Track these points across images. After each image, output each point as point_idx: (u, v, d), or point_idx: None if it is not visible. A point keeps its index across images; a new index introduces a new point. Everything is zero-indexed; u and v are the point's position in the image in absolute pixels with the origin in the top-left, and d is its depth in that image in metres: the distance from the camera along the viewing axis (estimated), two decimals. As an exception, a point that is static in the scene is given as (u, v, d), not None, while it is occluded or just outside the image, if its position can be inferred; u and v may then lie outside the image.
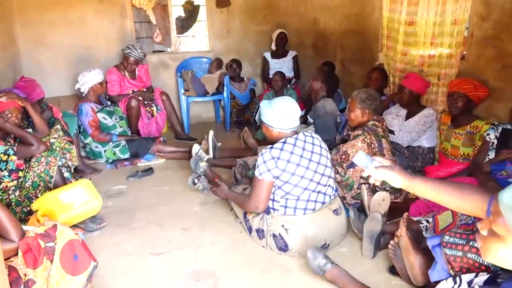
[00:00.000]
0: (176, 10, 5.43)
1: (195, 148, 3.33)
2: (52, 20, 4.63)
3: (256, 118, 4.79)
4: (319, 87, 3.81)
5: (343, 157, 2.77)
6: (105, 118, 3.88)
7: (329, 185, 2.40)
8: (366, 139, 2.71)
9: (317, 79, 3.86)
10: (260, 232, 2.41)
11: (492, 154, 2.61)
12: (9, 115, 2.46)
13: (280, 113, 2.26)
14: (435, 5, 3.23)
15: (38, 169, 2.52)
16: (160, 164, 3.88)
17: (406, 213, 2.11)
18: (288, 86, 4.94)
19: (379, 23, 3.93)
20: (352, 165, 2.75)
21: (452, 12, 3.09)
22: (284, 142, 2.25)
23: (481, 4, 2.91)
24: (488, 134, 2.66)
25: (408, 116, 3.38)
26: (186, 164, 3.69)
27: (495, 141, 2.62)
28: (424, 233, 2.22)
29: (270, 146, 2.27)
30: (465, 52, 3.13)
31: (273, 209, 2.33)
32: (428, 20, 3.32)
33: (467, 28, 3.08)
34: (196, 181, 3.15)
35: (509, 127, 2.57)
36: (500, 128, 2.63)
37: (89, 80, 3.74)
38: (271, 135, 2.35)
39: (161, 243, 2.52)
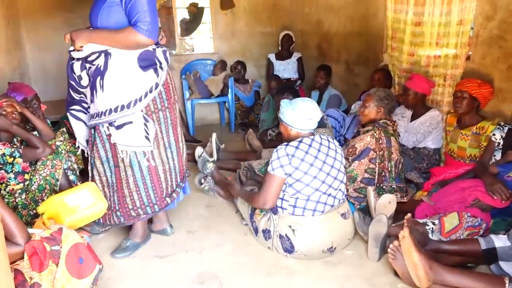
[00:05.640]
0: (181, 12, 5.45)
1: (198, 151, 3.33)
2: (57, 24, 4.66)
3: (261, 117, 4.79)
4: None
5: (350, 150, 2.79)
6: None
7: (339, 189, 2.40)
8: (375, 134, 2.74)
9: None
10: (267, 233, 2.41)
11: (498, 155, 2.59)
12: (4, 112, 2.46)
13: (301, 114, 2.29)
14: (440, 5, 3.21)
15: (44, 172, 2.53)
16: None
17: (409, 214, 2.10)
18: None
19: (383, 24, 3.92)
20: (358, 158, 2.76)
21: (457, 12, 3.08)
22: (300, 141, 2.29)
23: (487, 4, 2.89)
24: (494, 135, 2.64)
25: (414, 117, 3.37)
26: (190, 166, 3.69)
27: (501, 142, 2.60)
28: (430, 235, 2.21)
29: (285, 143, 2.30)
30: (470, 53, 3.11)
31: (282, 208, 2.34)
32: (434, 20, 3.30)
33: (472, 28, 3.06)
34: (202, 181, 3.17)
35: (515, 127, 2.55)
36: (506, 128, 2.60)
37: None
38: (289, 134, 2.39)
39: (165, 246, 2.53)
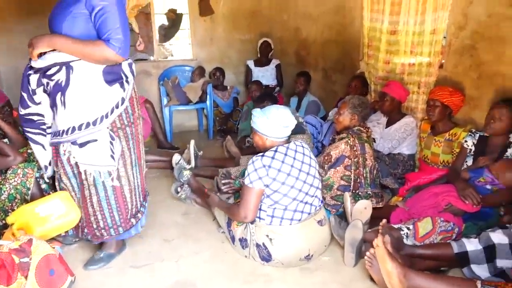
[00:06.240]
0: (159, 18, 5.42)
1: (176, 158, 3.30)
2: (30, 29, 4.55)
3: (240, 126, 4.79)
4: None
5: (326, 158, 2.81)
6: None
7: (316, 196, 2.41)
8: (349, 141, 2.76)
9: None
10: (243, 242, 2.40)
11: (470, 161, 2.65)
12: None
13: (277, 122, 2.25)
14: (414, 15, 3.29)
15: (14, 181, 2.45)
16: (142, 173, 3.82)
17: (384, 220, 2.12)
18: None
19: (359, 33, 3.98)
20: (333, 165, 2.78)
21: (431, 22, 3.15)
22: (276, 151, 2.25)
23: (459, 15, 2.97)
24: (465, 141, 2.71)
25: (389, 124, 3.43)
26: (168, 173, 3.67)
27: (473, 148, 2.67)
28: (404, 240, 2.24)
29: (261, 154, 2.26)
30: (443, 61, 3.19)
31: (259, 218, 2.32)
32: (408, 30, 3.38)
33: (445, 37, 3.14)
34: (179, 189, 3.13)
35: (486, 134, 2.62)
36: (477, 135, 2.67)
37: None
38: (264, 144, 2.34)
39: (141, 255, 2.48)
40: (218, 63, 5.40)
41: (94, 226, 2.27)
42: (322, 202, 2.53)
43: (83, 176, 2.16)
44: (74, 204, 2.18)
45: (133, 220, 2.35)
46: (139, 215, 2.39)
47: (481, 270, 2.02)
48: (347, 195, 2.60)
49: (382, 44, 3.65)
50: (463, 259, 2.05)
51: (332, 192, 2.78)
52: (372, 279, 2.12)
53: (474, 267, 2.03)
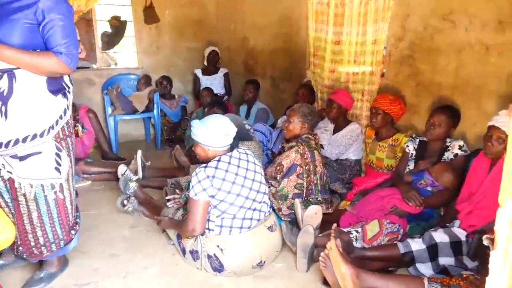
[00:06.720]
0: (102, 25, 5.23)
1: (121, 169, 3.16)
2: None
3: (188, 134, 4.72)
4: None
5: (278, 168, 2.81)
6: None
7: (264, 202, 2.40)
8: (299, 150, 2.79)
9: None
10: (194, 254, 2.34)
11: (411, 165, 2.79)
12: None
13: (217, 130, 2.22)
14: (356, 26, 3.43)
15: None
16: (85, 186, 3.63)
17: (334, 225, 2.17)
18: (220, 103, 4.93)
19: (305, 42, 4.09)
20: (286, 175, 2.79)
21: (372, 32, 3.31)
22: (219, 160, 2.22)
23: (398, 27, 3.14)
24: (407, 146, 2.85)
25: (336, 131, 3.53)
26: (113, 185, 3.52)
27: (414, 152, 2.81)
28: (354, 243, 2.30)
29: (204, 165, 2.22)
30: (384, 70, 3.35)
31: (208, 229, 2.28)
32: (351, 40, 3.51)
33: (385, 47, 3.30)
34: (125, 202, 3.00)
35: (425, 139, 2.77)
36: (417, 140, 2.82)
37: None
38: (206, 155, 2.30)
39: (86, 272, 2.34)
40: (165, 72, 5.30)
41: (32, 243, 2.10)
42: (271, 207, 2.53)
43: (22, 191, 1.99)
44: (9, 220, 2.01)
45: (72, 231, 2.22)
46: (76, 226, 2.27)
47: (426, 268, 2.12)
48: (297, 202, 2.62)
49: (327, 53, 3.77)
50: (408, 258, 2.14)
51: (288, 202, 2.80)
52: (324, 283, 2.15)
53: (419, 265, 2.12)
